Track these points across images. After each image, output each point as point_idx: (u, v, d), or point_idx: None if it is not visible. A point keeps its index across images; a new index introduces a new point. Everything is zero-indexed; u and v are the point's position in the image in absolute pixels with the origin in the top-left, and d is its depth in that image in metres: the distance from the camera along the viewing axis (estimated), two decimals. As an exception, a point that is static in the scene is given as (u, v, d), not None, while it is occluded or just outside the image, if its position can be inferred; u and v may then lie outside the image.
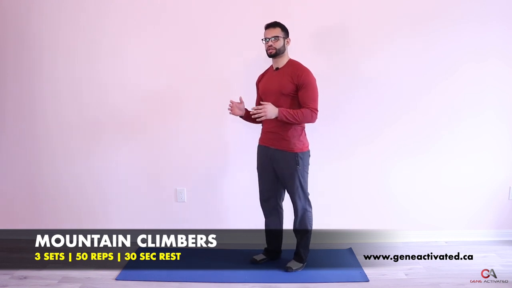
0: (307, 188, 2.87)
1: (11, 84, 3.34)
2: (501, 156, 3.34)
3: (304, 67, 2.76)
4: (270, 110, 2.64)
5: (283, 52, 2.77)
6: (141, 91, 3.29)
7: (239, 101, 2.84)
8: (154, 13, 3.21)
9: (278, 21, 2.77)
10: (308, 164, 2.86)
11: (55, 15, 3.24)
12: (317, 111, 2.72)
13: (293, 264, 2.91)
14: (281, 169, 2.82)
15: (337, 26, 3.19)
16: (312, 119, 2.72)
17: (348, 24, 3.19)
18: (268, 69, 2.92)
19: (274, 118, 2.68)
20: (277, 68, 2.81)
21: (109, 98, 3.30)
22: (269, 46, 2.74)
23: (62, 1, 3.23)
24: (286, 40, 2.78)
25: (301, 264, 2.92)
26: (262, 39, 2.78)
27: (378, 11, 3.17)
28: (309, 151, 2.85)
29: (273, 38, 2.72)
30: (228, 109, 2.84)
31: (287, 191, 2.89)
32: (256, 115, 2.64)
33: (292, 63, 2.80)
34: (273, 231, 3.04)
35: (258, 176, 2.97)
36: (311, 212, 2.91)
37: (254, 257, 3.04)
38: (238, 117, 2.92)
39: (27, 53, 3.29)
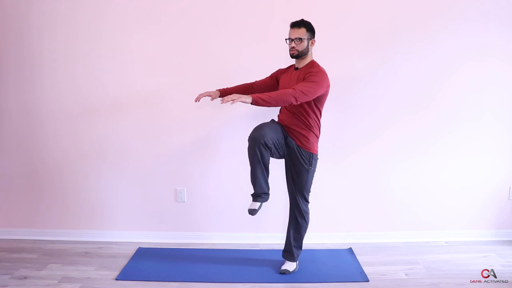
0: (309, 191, 2.85)
1: (10, 87, 3.34)
2: (501, 156, 3.34)
3: (321, 67, 2.67)
4: (241, 96, 2.41)
5: (306, 54, 2.67)
6: (142, 90, 3.28)
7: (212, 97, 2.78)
8: (155, 11, 3.20)
9: (304, 19, 2.68)
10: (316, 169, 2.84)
11: (54, 9, 3.24)
12: (303, 93, 2.47)
13: (289, 266, 2.89)
14: (292, 161, 2.76)
15: (336, 26, 3.19)
16: (289, 98, 2.45)
17: (348, 24, 3.19)
18: (290, 67, 2.84)
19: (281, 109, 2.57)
20: (297, 68, 2.74)
21: (109, 97, 3.30)
22: (291, 48, 2.65)
23: (57, 8, 3.22)
24: (310, 41, 2.68)
25: (295, 263, 2.91)
26: (286, 39, 2.70)
27: (378, 11, 3.17)
28: (317, 154, 2.83)
29: (296, 40, 2.63)
30: (201, 97, 2.75)
31: (291, 186, 2.83)
32: (227, 101, 2.36)
33: (312, 64, 2.70)
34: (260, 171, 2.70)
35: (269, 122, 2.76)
36: (308, 214, 2.88)
37: (250, 208, 2.71)
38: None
39: (27, 54, 3.30)
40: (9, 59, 3.31)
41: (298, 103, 2.51)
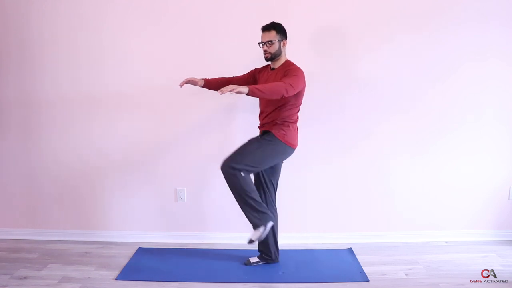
0: (252, 162, 2.68)
1: (10, 88, 3.34)
2: (501, 156, 3.33)
3: (297, 66, 2.75)
4: (239, 86, 2.46)
5: (279, 55, 2.77)
6: (142, 90, 3.28)
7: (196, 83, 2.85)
8: (155, 11, 3.20)
9: (275, 22, 2.75)
10: (279, 154, 2.77)
11: (54, 9, 3.24)
12: (291, 86, 2.55)
13: (252, 235, 2.74)
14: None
15: (336, 26, 3.19)
16: (281, 90, 2.53)
17: (347, 24, 3.19)
18: (266, 66, 2.91)
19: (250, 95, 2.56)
20: (273, 68, 2.82)
21: (108, 97, 3.30)
22: (264, 51, 2.75)
23: (57, 8, 3.23)
24: (282, 42, 2.75)
25: (259, 231, 2.71)
26: (258, 43, 2.77)
27: (378, 11, 3.17)
28: (290, 148, 2.77)
29: (267, 43, 2.72)
30: (185, 83, 2.80)
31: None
32: (226, 91, 2.41)
33: (287, 64, 2.78)
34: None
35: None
36: (245, 172, 2.68)
37: (250, 259, 3.03)
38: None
39: (28, 54, 3.30)
40: (9, 59, 3.31)
41: (287, 95, 2.59)
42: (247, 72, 2.99)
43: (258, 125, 2.93)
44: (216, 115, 3.30)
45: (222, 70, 3.20)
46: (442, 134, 3.30)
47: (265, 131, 2.82)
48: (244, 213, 2.75)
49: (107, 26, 3.23)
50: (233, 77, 2.96)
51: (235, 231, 3.38)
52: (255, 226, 2.73)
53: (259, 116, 2.91)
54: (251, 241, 2.74)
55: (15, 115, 3.37)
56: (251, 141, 2.81)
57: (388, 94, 3.25)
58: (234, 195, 2.74)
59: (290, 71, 2.68)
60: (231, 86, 2.41)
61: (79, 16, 3.22)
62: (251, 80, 2.94)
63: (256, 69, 2.96)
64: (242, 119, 3.28)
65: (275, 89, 2.54)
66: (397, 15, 3.17)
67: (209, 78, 2.93)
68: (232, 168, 2.67)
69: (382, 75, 3.23)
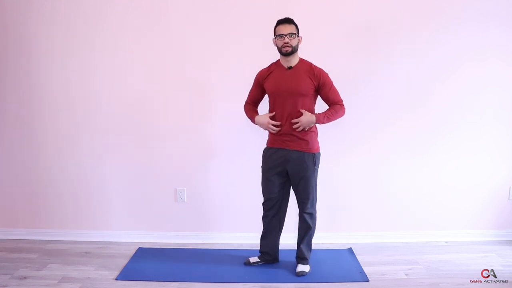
0: (317, 191, 2.86)
1: (10, 88, 3.34)
2: (501, 156, 3.34)
3: (320, 68, 2.73)
4: (305, 122, 2.65)
5: (296, 51, 2.68)
6: (141, 91, 3.28)
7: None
8: (155, 11, 3.20)
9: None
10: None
11: (51, 21, 3.24)
12: (341, 99, 2.80)
13: (304, 267, 2.87)
14: (297, 171, 2.75)
15: (335, 26, 3.19)
16: (343, 113, 2.79)
17: (347, 24, 3.19)
18: (273, 66, 2.77)
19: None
20: (289, 67, 2.71)
21: (108, 96, 3.30)
22: (285, 43, 2.60)
23: (57, 8, 3.23)
24: (298, 39, 2.69)
25: (309, 265, 2.91)
26: (278, 35, 2.63)
27: (378, 11, 3.17)
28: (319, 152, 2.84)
29: (289, 35, 2.61)
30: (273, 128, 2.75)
31: (299, 193, 2.80)
32: (300, 130, 2.69)
33: (304, 62, 2.72)
34: (271, 233, 2.96)
35: (264, 179, 2.85)
36: (316, 214, 2.90)
37: (249, 258, 3.02)
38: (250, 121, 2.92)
39: (26, 59, 3.30)
40: (9, 59, 3.31)
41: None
42: (252, 80, 2.87)
43: (280, 130, 2.73)
44: (216, 115, 3.30)
45: (222, 70, 3.21)
46: (442, 134, 3.30)
47: (309, 152, 2.74)
48: (308, 249, 2.92)
49: (107, 26, 3.23)
50: (250, 100, 2.89)
51: (235, 231, 3.38)
52: (308, 262, 2.92)
53: (284, 121, 2.71)
54: (303, 273, 2.84)
55: (15, 115, 3.37)
56: (310, 173, 2.76)
57: (388, 94, 3.25)
58: (307, 236, 2.90)
59: (326, 81, 2.71)
60: (301, 125, 2.65)
61: (79, 16, 3.22)
62: (260, 91, 2.82)
63: (260, 75, 2.80)
64: (242, 119, 3.27)
65: (340, 114, 2.78)
66: (397, 15, 3.17)
67: (255, 114, 2.87)
68: (315, 214, 2.91)
69: (382, 75, 3.23)
